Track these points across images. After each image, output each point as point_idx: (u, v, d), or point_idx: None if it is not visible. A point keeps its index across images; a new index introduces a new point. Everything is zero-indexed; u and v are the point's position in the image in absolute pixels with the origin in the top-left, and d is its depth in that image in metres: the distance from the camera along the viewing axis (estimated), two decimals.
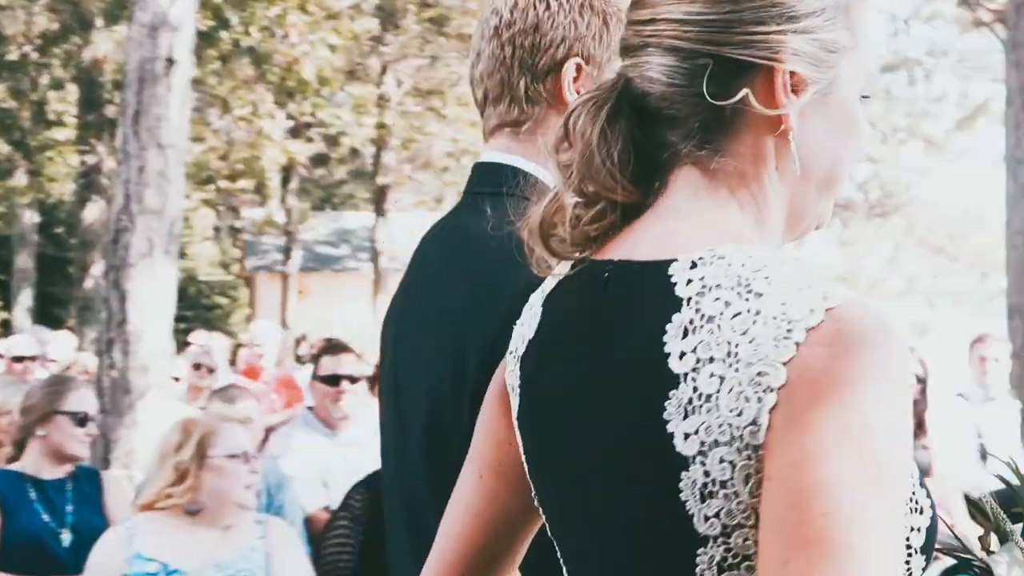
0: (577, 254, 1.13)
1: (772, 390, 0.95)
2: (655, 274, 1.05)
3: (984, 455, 6.64)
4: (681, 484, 0.99)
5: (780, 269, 1.00)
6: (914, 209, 19.09)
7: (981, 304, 18.97)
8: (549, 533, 1.20)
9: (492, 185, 1.58)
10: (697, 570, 1.00)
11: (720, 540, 0.99)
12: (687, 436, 0.98)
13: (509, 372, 1.22)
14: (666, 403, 0.99)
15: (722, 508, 0.98)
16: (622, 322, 1.07)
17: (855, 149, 1.16)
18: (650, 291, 1.05)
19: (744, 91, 1.07)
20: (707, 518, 0.98)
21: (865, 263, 21.39)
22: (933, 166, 19.48)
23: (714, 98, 1.08)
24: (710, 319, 0.99)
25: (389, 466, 1.73)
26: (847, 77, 1.13)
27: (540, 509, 1.20)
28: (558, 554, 1.19)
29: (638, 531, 1.04)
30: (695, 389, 0.98)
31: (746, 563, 0.99)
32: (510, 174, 1.57)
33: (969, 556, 1.23)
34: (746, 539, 0.98)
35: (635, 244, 1.10)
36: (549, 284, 1.19)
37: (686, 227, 1.08)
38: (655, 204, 1.12)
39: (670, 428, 0.99)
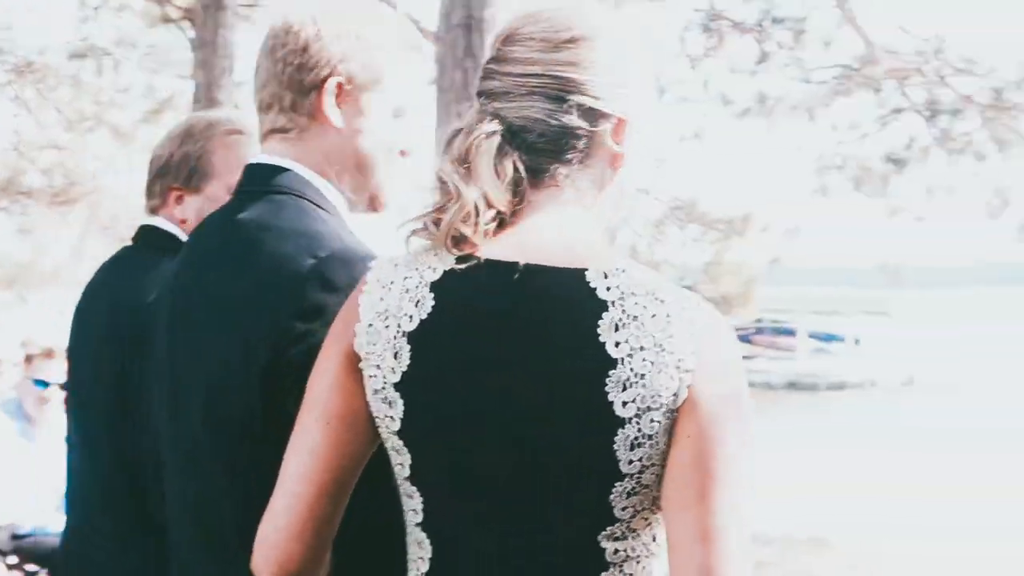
0: (465, 250, 1.42)
1: (689, 371, 1.35)
2: (572, 278, 1.38)
3: None
4: (616, 438, 1.35)
5: (663, 280, 1.40)
6: (100, 197, 18.86)
7: None
8: (408, 482, 1.46)
9: (263, 183, 1.77)
10: (611, 497, 1.38)
11: (635, 476, 1.37)
12: (624, 404, 1.34)
13: (368, 341, 1.44)
14: (606, 379, 1.34)
15: (645, 454, 1.36)
16: (551, 315, 1.38)
17: (633, 164, 1.53)
18: (573, 292, 1.38)
19: (598, 135, 1.46)
20: (631, 462, 1.36)
21: (50, 250, 20.69)
22: (120, 155, 19.40)
23: (577, 139, 1.46)
24: (635, 318, 1.36)
25: (167, 457, 1.82)
26: (640, 120, 1.51)
27: (404, 461, 1.45)
28: (415, 504, 1.46)
29: (565, 476, 1.38)
30: (632, 370, 1.34)
31: (645, 491, 1.38)
32: (280, 174, 1.77)
33: None
34: (653, 475, 1.37)
35: (522, 246, 1.41)
36: (431, 270, 1.43)
37: (570, 238, 1.43)
38: (524, 213, 1.45)
39: (610, 398, 1.34)
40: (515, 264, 1.40)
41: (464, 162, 1.44)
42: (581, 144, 1.46)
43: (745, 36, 11.47)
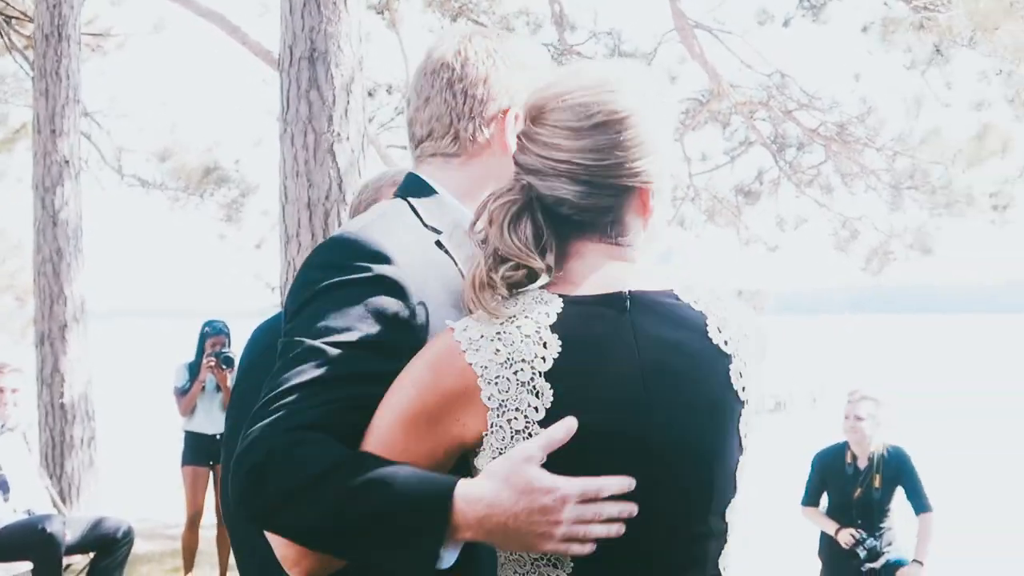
0: (502, 296, 1.62)
1: (762, 349, 1.69)
2: (668, 298, 1.64)
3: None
4: (740, 419, 1.64)
5: (712, 284, 1.70)
6: None
7: (22, 329, 18.75)
8: None
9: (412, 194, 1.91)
10: (737, 472, 1.65)
11: (743, 448, 1.66)
12: (743, 389, 1.63)
13: (501, 389, 1.57)
14: (729, 372, 1.62)
15: (748, 430, 1.65)
16: (668, 330, 1.61)
17: (664, 213, 1.76)
18: (676, 309, 1.63)
19: (628, 201, 1.67)
20: (746, 436, 1.65)
21: None
22: None
23: (609, 208, 1.66)
24: (724, 319, 1.64)
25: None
26: (663, 182, 1.72)
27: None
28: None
29: (713, 465, 1.61)
30: (741, 361, 1.63)
31: (742, 456, 1.66)
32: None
33: None
34: (748, 443, 1.66)
35: (594, 283, 1.63)
36: (544, 315, 1.59)
37: (632, 272, 1.65)
38: (570, 260, 1.68)
39: (735, 386, 1.63)
40: (621, 294, 1.61)
41: (491, 223, 1.66)
42: (610, 216, 1.66)
43: None
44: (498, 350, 1.57)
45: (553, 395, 1.56)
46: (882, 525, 6.32)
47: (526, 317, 1.59)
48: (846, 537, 6.19)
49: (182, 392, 7.67)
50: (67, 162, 9.97)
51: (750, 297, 14.09)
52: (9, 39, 13.81)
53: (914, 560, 6.16)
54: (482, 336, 1.58)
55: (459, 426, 1.59)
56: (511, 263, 1.63)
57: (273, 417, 1.57)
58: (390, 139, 14.15)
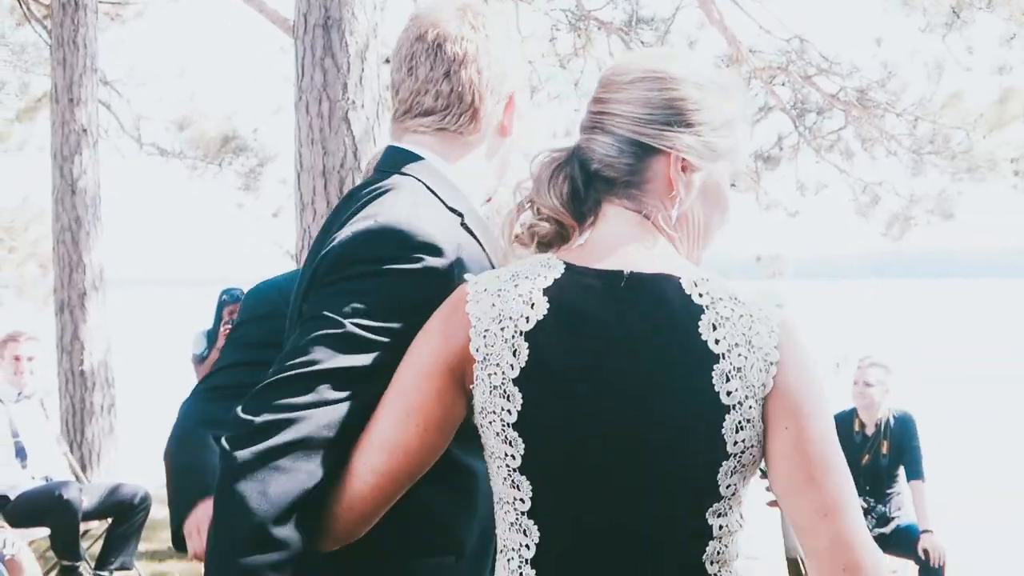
0: (526, 250, 1.69)
1: (774, 363, 1.57)
2: (668, 285, 1.60)
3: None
4: (724, 423, 1.56)
5: (738, 286, 1.62)
6: None
7: (45, 297, 18.89)
8: (518, 472, 1.60)
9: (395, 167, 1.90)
10: (717, 476, 1.57)
11: (738, 456, 1.58)
12: (728, 393, 1.56)
13: (486, 343, 1.60)
14: (712, 372, 1.55)
15: (746, 436, 1.57)
16: (656, 315, 1.58)
17: (722, 215, 1.74)
18: (672, 296, 1.59)
19: (653, 166, 1.66)
20: (735, 443, 1.57)
21: None
22: None
23: (633, 168, 1.66)
24: (727, 319, 1.57)
25: None
26: (723, 170, 1.70)
27: (516, 452, 1.60)
28: (522, 493, 1.61)
29: (677, 459, 1.56)
30: (731, 364, 1.56)
31: (743, 470, 1.59)
32: (415, 160, 1.91)
33: None
34: (751, 455, 1.59)
35: (611, 256, 1.63)
36: (542, 278, 1.61)
37: (654, 251, 1.64)
38: (597, 227, 1.68)
39: (716, 388, 1.56)
40: (620, 272, 1.61)
41: (534, 176, 1.72)
42: (635, 176, 1.67)
43: (612, 36, 11.54)
44: (493, 304, 1.62)
45: (528, 355, 1.59)
46: (889, 491, 6.33)
47: (526, 278, 1.63)
48: None
49: (200, 359, 7.70)
50: (85, 131, 10.01)
51: (769, 263, 14.03)
52: (28, 9, 13.84)
53: (924, 531, 6.15)
54: (486, 290, 1.64)
55: (463, 376, 1.64)
56: (543, 215, 1.69)
57: (297, 413, 1.59)
58: None
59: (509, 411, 1.60)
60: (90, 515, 6.70)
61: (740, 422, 1.57)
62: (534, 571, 1.63)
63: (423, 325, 1.68)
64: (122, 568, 6.85)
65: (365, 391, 1.65)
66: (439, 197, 1.86)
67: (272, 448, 1.56)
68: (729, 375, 1.56)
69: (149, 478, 10.07)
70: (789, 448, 1.57)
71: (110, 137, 15.55)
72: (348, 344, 1.65)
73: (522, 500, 1.63)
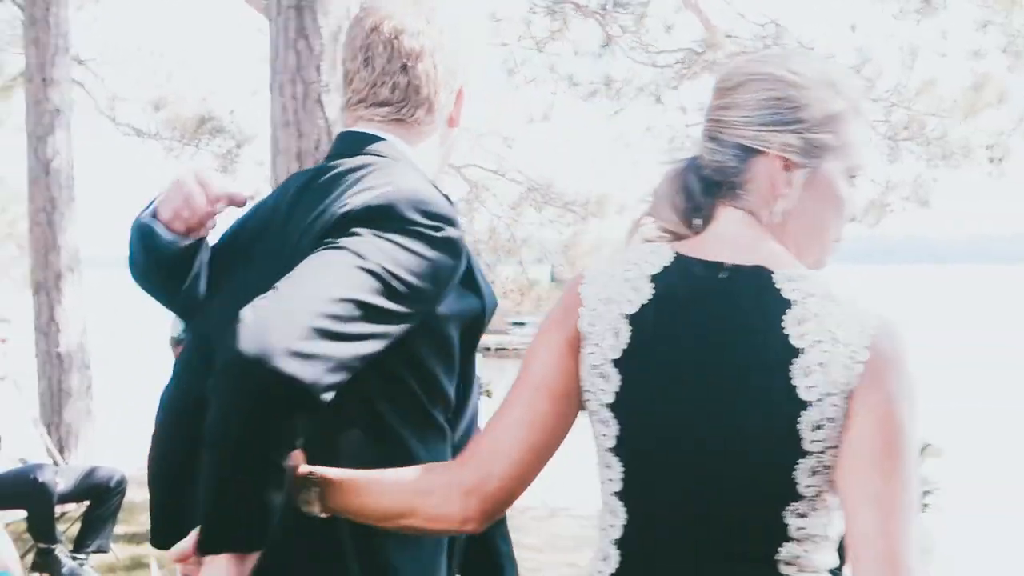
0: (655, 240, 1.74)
1: (861, 362, 1.55)
2: (762, 278, 1.62)
3: None
4: (800, 419, 1.55)
5: (836, 285, 1.61)
6: None
7: (24, 278, 18.82)
8: (611, 453, 1.67)
9: (357, 150, 1.94)
10: (795, 474, 1.57)
11: (816, 455, 1.56)
12: (808, 388, 1.55)
13: (590, 322, 1.68)
14: (791, 366, 1.56)
15: (826, 435, 1.55)
16: (746, 307, 1.61)
17: (837, 212, 1.71)
18: (764, 290, 1.61)
19: (755, 166, 1.67)
20: (813, 441, 1.55)
21: None
22: None
23: (737, 170, 1.68)
24: (815, 315, 1.57)
25: None
26: (834, 166, 1.68)
27: (609, 432, 1.67)
28: (613, 473, 1.68)
29: (755, 451, 1.58)
30: (813, 359, 1.55)
31: (826, 471, 1.57)
32: (375, 142, 1.95)
33: None
34: (833, 456, 1.56)
35: (718, 249, 1.67)
36: (650, 264, 1.68)
37: (758, 246, 1.66)
38: (709, 227, 1.72)
39: (794, 383, 1.56)
40: (719, 263, 1.65)
41: (656, 195, 1.78)
42: (738, 177, 1.69)
43: (589, 19, 11.55)
44: (605, 285, 1.70)
45: (629, 337, 1.67)
46: None
47: (635, 264, 1.71)
48: None
49: (177, 342, 7.68)
50: (58, 111, 9.95)
51: None
52: None
53: None
54: (601, 272, 1.72)
55: (578, 353, 1.72)
56: (663, 226, 1.76)
57: (330, 340, 1.60)
58: None
59: (605, 391, 1.67)
60: (66, 498, 6.70)
61: (819, 420, 1.56)
62: (618, 552, 1.68)
63: (438, 296, 1.81)
64: (99, 551, 6.85)
65: (385, 339, 1.70)
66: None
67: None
68: (809, 370, 1.56)
69: (128, 459, 10.08)
70: (865, 444, 1.55)
71: (86, 117, 15.47)
72: (384, 288, 1.69)
73: (611, 480, 1.69)
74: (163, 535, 1.98)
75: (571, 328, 1.71)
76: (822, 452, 1.56)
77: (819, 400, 1.55)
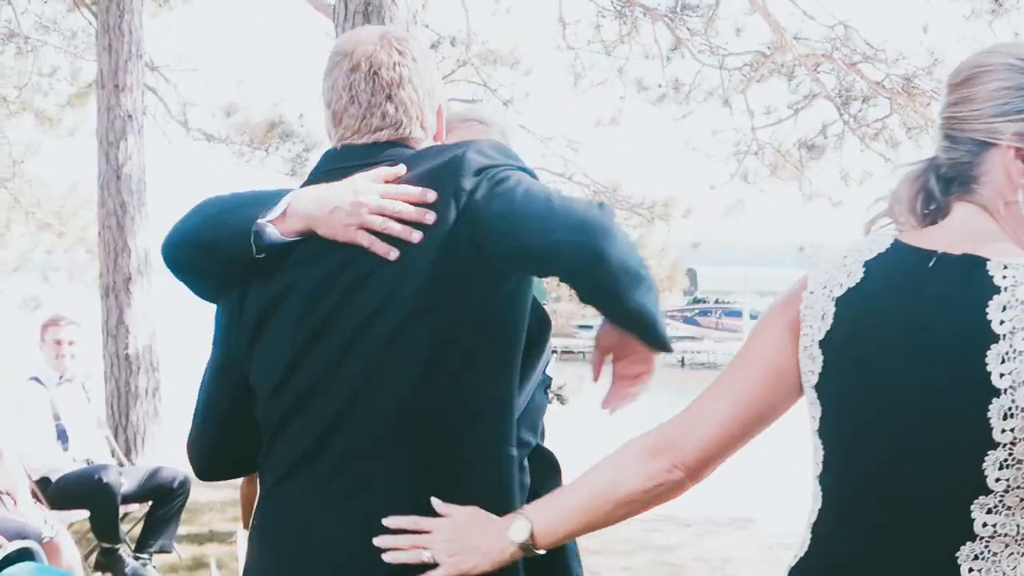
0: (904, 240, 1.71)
1: None
2: (974, 265, 1.60)
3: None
4: (990, 407, 1.53)
5: None
6: (22, 182, 18.59)
7: (95, 281, 19.17)
8: (817, 435, 1.73)
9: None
10: (983, 465, 1.54)
11: (1007, 447, 1.53)
12: (1002, 375, 1.52)
13: (807, 304, 1.73)
14: (987, 352, 1.53)
15: (1018, 426, 1.52)
16: (950, 293, 1.60)
17: None
18: (973, 276, 1.59)
19: (988, 159, 1.67)
20: (1003, 431, 1.52)
21: None
22: (43, 141, 19.13)
23: (970, 164, 1.68)
24: (1022, 303, 1.54)
25: None
26: None
27: (816, 414, 1.72)
28: (818, 456, 1.74)
29: (944, 438, 1.56)
30: (1011, 346, 1.52)
31: (1018, 465, 1.54)
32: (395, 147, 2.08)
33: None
34: (1010, 439, 1.52)
35: (938, 239, 1.66)
36: (868, 251, 1.71)
37: (980, 237, 1.64)
38: (944, 221, 1.71)
39: (989, 368, 1.53)
40: (932, 252, 1.65)
41: (894, 198, 1.78)
42: (969, 172, 1.69)
43: (658, 23, 11.48)
44: (825, 270, 1.74)
45: (833, 318, 1.70)
46: None
47: (857, 250, 1.74)
48: None
49: None
50: (130, 117, 10.10)
51: (813, 252, 13.91)
52: None
53: None
54: (826, 259, 1.77)
55: (798, 335, 1.77)
56: (910, 215, 1.77)
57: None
58: (452, 92, 14.11)
59: (812, 372, 1.71)
60: (130, 498, 6.78)
61: (1010, 408, 1.53)
62: (810, 535, 1.74)
63: None
64: (161, 551, 6.93)
65: None
66: None
67: None
68: (1006, 357, 1.54)
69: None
70: None
71: (158, 123, 15.71)
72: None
73: (816, 464, 1.74)
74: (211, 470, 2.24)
75: (794, 311, 1.76)
76: (1013, 443, 1.53)
77: (1011, 388, 1.53)
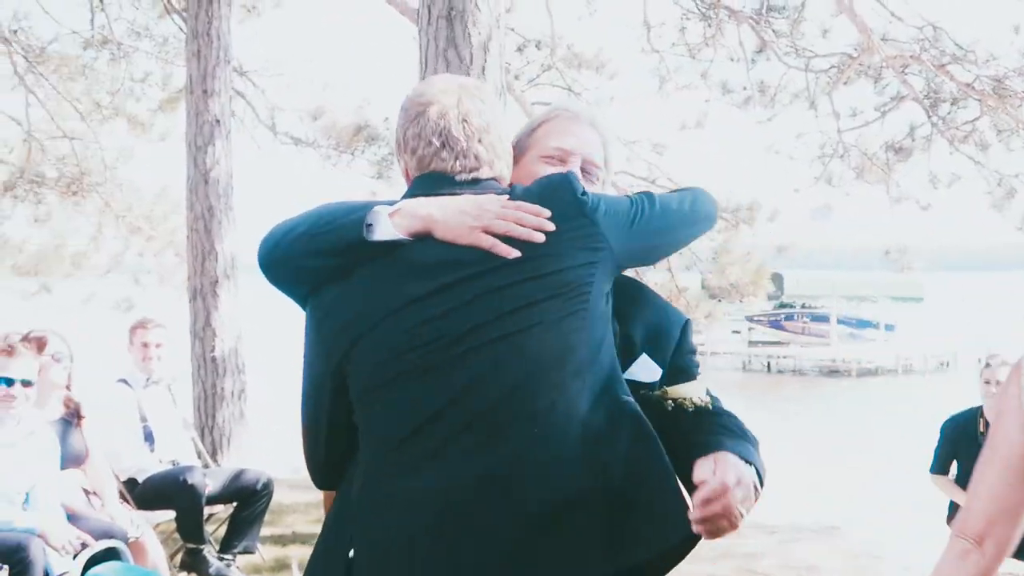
0: None
1: None
2: None
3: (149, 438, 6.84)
4: None
5: None
6: (113, 187, 19.00)
7: (184, 284, 19.52)
8: None
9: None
10: None
11: None
12: None
13: None
14: None
15: None
16: None
17: None
18: None
19: None
20: None
21: (67, 240, 20.83)
22: (135, 145, 19.52)
23: None
24: None
25: None
26: None
27: None
28: None
29: None
30: None
31: None
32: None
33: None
34: None
35: None
36: None
37: None
38: None
39: None
40: None
41: None
42: None
43: (743, 25, 11.35)
44: None
45: None
46: None
47: None
48: None
49: None
50: (218, 121, 10.26)
51: (898, 256, 13.64)
52: (169, 1, 14.26)
53: None
54: None
55: None
56: None
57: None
58: (537, 95, 14.10)
59: None
60: (214, 499, 6.89)
61: None
62: None
63: None
64: (245, 552, 7.02)
65: None
66: None
67: None
68: None
69: (282, 461, 10.33)
70: None
71: (246, 127, 15.95)
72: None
73: None
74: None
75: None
76: None
77: None
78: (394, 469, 2.04)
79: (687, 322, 2.42)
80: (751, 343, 47.64)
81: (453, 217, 2.08)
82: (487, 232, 2.07)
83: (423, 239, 2.09)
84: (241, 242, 10.59)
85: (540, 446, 1.99)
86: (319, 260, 2.13)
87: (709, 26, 11.75)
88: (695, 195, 2.35)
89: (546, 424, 2.00)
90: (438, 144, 2.21)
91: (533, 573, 1.96)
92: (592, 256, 2.10)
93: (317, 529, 2.39)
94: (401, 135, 2.25)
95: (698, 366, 2.39)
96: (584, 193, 2.15)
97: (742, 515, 2.00)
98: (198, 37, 10.38)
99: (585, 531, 1.98)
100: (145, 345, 6.89)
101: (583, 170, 2.38)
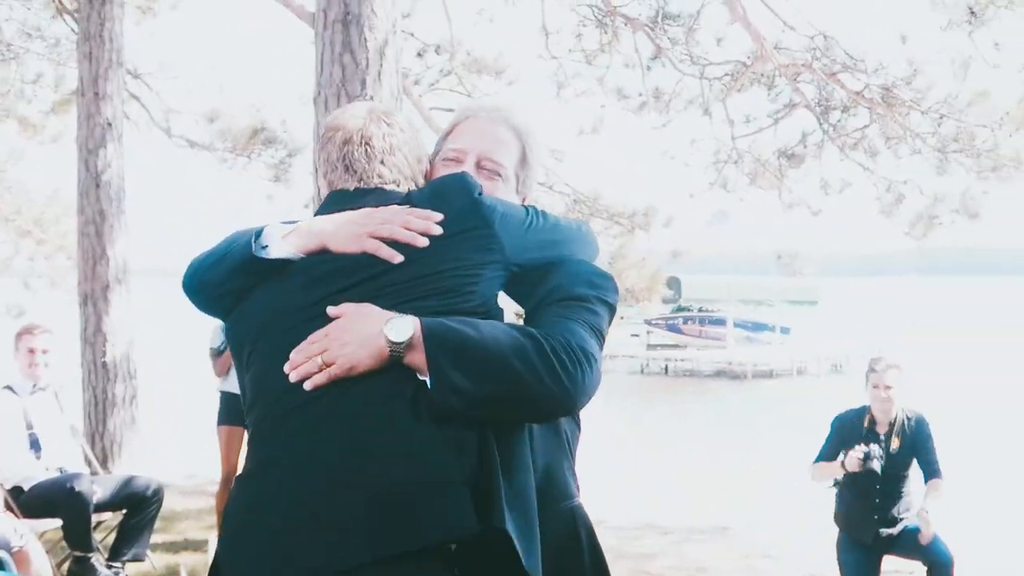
0: None
1: None
2: None
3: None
4: None
5: None
6: (2, 189, 18.52)
7: (75, 288, 19.08)
8: None
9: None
10: None
11: None
12: None
13: None
14: None
15: None
16: None
17: None
18: None
19: None
20: None
21: None
22: (26, 148, 19.05)
23: None
24: None
25: None
26: None
27: None
28: None
29: None
30: None
31: None
32: None
33: None
34: None
35: None
36: None
37: None
38: None
39: None
40: None
41: None
42: None
43: (638, 32, 11.51)
44: None
45: None
46: (900, 491, 6.27)
47: None
48: (853, 461, 6.11)
49: (218, 353, 7.74)
50: (110, 124, 10.08)
51: (790, 260, 13.94)
52: (61, 2, 13.95)
53: (921, 509, 6.09)
54: None
55: None
56: None
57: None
58: (436, 100, 14.11)
59: None
60: (103, 506, 6.76)
61: None
62: None
63: None
64: (135, 559, 6.91)
65: None
66: None
67: None
68: None
69: (174, 467, 10.18)
70: None
71: (140, 130, 15.67)
72: None
73: None
74: None
75: None
76: None
77: None
78: (265, 448, 2.14)
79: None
80: (650, 346, 48.17)
81: (342, 228, 2.18)
82: (373, 237, 2.15)
83: (320, 253, 2.19)
84: (134, 246, 10.42)
85: (374, 435, 2.03)
86: (229, 283, 2.24)
87: (605, 33, 11.88)
88: (583, 223, 2.48)
89: (381, 416, 2.05)
90: (341, 168, 2.33)
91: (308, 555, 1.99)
92: (483, 257, 2.17)
93: (209, 535, 2.40)
94: (315, 160, 2.40)
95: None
96: (480, 194, 2.24)
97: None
98: (90, 39, 10.19)
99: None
100: (31, 351, 6.74)
101: (481, 167, 2.43)
